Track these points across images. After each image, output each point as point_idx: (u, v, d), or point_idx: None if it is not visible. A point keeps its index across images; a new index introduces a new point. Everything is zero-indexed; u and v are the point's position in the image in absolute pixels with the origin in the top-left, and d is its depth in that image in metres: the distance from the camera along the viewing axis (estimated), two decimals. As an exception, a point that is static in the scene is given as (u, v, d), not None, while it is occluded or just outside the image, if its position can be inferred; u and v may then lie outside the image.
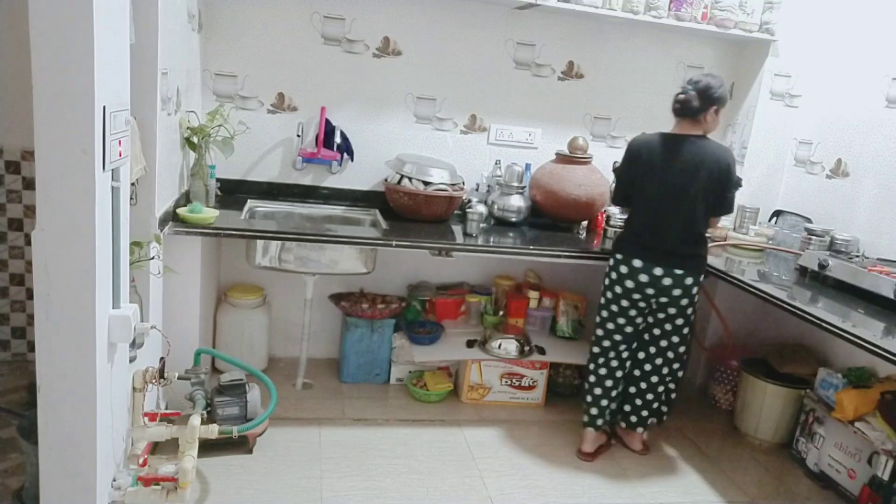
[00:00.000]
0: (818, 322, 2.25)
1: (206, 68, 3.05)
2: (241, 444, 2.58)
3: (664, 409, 2.90)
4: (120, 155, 1.73)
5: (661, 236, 2.59)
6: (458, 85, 3.31)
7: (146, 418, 2.14)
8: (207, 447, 2.41)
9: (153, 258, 2.29)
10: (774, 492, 2.78)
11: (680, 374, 2.86)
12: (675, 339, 2.75)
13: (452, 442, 2.87)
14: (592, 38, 3.39)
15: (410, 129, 3.32)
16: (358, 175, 3.30)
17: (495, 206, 3.24)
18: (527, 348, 3.22)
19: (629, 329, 2.76)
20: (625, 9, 3.12)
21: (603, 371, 2.82)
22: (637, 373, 2.84)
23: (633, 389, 2.86)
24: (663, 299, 2.64)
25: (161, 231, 2.36)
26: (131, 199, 2.11)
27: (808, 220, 3.27)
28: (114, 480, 1.93)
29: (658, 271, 2.59)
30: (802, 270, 2.87)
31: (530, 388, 3.25)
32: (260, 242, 2.82)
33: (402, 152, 3.25)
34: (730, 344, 3.23)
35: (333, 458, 2.65)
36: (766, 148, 3.49)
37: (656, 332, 2.75)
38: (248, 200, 3.08)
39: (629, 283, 2.64)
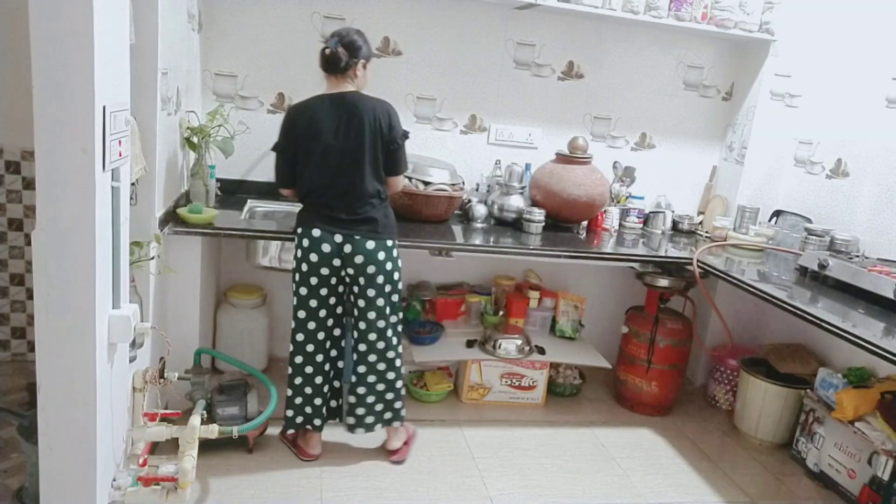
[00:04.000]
0: (818, 322, 2.25)
1: (206, 68, 3.05)
2: (241, 444, 2.58)
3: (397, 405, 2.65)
4: (120, 155, 1.74)
5: (336, 200, 2.40)
6: (458, 85, 3.31)
7: (146, 418, 2.14)
8: (207, 447, 2.41)
9: (153, 258, 2.29)
10: (774, 492, 2.78)
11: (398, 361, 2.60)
12: (372, 314, 2.50)
13: (452, 442, 2.87)
14: (592, 38, 3.39)
15: (410, 129, 3.28)
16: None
17: (495, 206, 3.24)
18: (527, 348, 3.22)
19: (323, 312, 2.51)
20: (625, 9, 3.12)
21: (305, 366, 2.55)
22: (340, 364, 2.64)
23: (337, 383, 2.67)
24: (349, 270, 2.44)
25: (161, 231, 2.36)
26: (131, 199, 2.11)
27: (808, 220, 3.27)
28: (114, 480, 1.93)
29: (338, 238, 2.40)
30: (802, 270, 2.87)
31: (530, 388, 3.25)
32: (260, 242, 2.82)
33: (402, 152, 3.25)
34: (730, 344, 3.23)
35: (333, 458, 2.65)
36: (766, 148, 3.49)
37: (355, 311, 2.53)
38: (248, 200, 3.08)
39: (313, 257, 2.42)
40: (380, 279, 2.45)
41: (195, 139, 2.73)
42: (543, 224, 3.13)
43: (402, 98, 3.25)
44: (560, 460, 2.83)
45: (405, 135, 2.49)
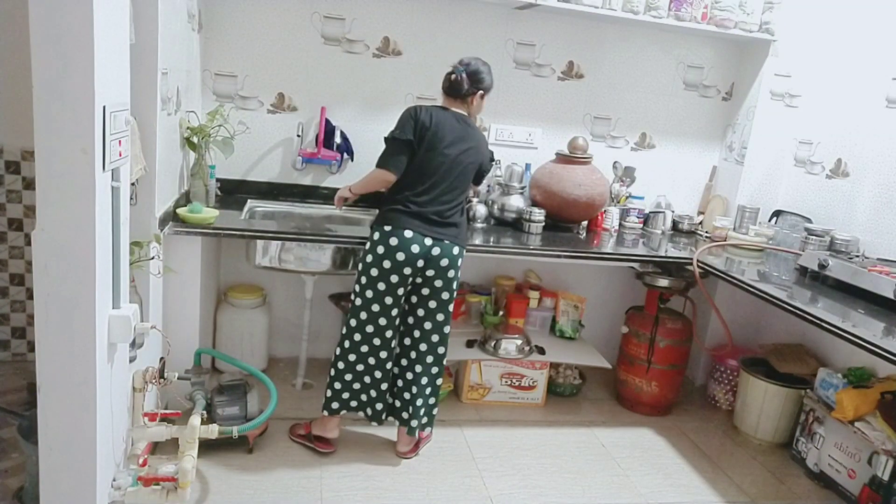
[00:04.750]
0: (818, 322, 2.25)
1: (206, 68, 3.05)
2: (241, 444, 2.58)
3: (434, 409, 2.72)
4: (120, 155, 1.73)
5: (435, 206, 2.52)
6: (458, 85, 3.31)
7: (146, 418, 2.14)
8: (207, 447, 2.41)
9: (153, 258, 2.29)
10: (774, 492, 2.78)
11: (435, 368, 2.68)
12: (441, 316, 2.62)
13: (452, 442, 2.87)
14: (592, 38, 3.39)
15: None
16: (358, 175, 3.27)
17: (495, 206, 3.24)
18: (527, 348, 3.22)
19: (395, 311, 2.57)
20: (625, 9, 3.12)
21: (371, 360, 2.62)
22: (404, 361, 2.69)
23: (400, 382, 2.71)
24: (429, 272, 2.53)
25: (161, 231, 2.36)
26: (131, 199, 2.11)
27: (808, 220, 3.27)
28: (114, 480, 1.93)
29: (428, 241, 2.48)
30: (802, 270, 2.87)
31: (530, 388, 3.25)
32: (260, 242, 2.82)
33: (402, 152, 3.25)
34: (730, 344, 3.23)
35: (333, 458, 2.65)
36: (766, 148, 3.49)
37: (420, 312, 2.62)
38: (248, 200, 3.08)
39: (400, 256, 2.46)
40: (455, 284, 2.59)
41: (195, 139, 2.73)
42: (543, 224, 3.14)
43: (402, 98, 3.25)
44: (560, 460, 2.83)
45: (493, 160, 2.78)
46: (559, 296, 3.47)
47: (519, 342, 3.20)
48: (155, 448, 2.44)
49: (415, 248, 2.47)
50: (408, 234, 2.47)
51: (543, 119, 3.44)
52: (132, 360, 2.08)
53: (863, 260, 2.76)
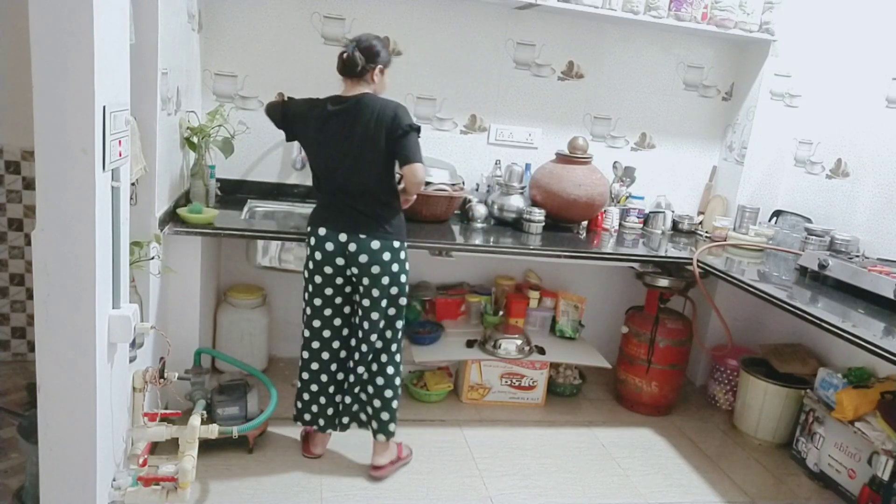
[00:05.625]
0: (818, 322, 2.25)
1: (206, 68, 3.05)
2: (241, 444, 2.58)
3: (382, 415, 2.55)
4: (120, 155, 1.73)
5: (346, 197, 2.40)
6: (458, 85, 3.31)
7: (146, 418, 2.14)
8: (207, 447, 2.41)
9: (153, 258, 2.29)
10: (774, 492, 2.78)
11: (389, 369, 2.53)
12: (375, 315, 2.45)
13: (452, 442, 2.87)
14: (592, 38, 3.39)
15: (410, 129, 3.31)
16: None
17: (495, 206, 3.24)
18: (527, 348, 3.22)
19: (329, 311, 2.49)
20: (625, 9, 3.12)
21: (314, 366, 2.55)
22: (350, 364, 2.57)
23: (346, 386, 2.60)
24: (353, 269, 2.40)
25: (161, 231, 2.36)
26: (131, 199, 2.11)
27: (808, 220, 3.27)
28: (114, 480, 1.93)
29: (343, 237, 2.37)
30: (802, 270, 2.87)
31: (530, 388, 3.25)
32: (260, 242, 2.82)
33: (402, 152, 3.25)
34: (730, 344, 3.23)
35: (333, 459, 2.65)
36: (766, 148, 3.49)
37: (359, 312, 2.48)
38: (248, 200, 3.08)
39: (317, 256, 2.40)
40: (386, 280, 2.40)
41: (195, 139, 2.73)
42: (543, 224, 3.13)
43: (402, 98, 3.21)
44: (560, 460, 2.83)
45: (413, 125, 2.37)
46: (559, 296, 3.47)
47: (519, 342, 3.20)
48: (155, 448, 2.44)
49: (329, 247, 2.38)
50: (321, 231, 2.39)
51: (543, 119, 3.44)
52: (132, 360, 2.08)
53: (863, 260, 2.76)
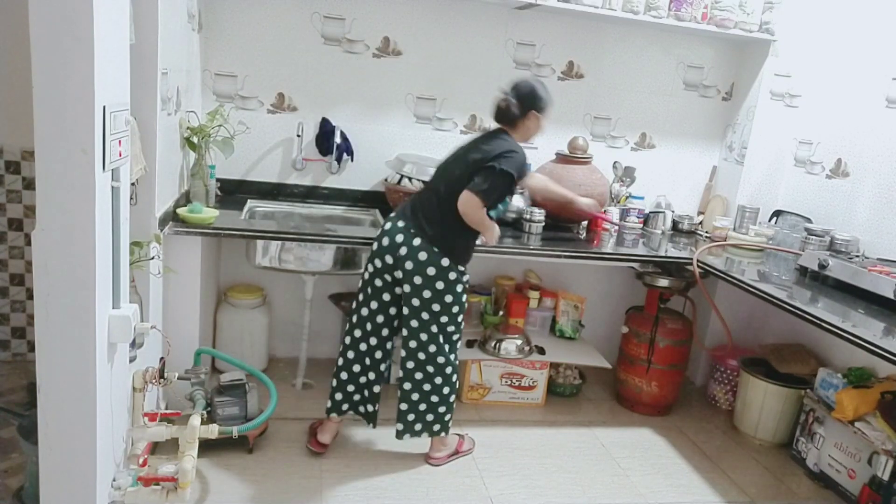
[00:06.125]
0: (818, 322, 2.25)
1: (206, 68, 3.05)
2: (241, 444, 2.58)
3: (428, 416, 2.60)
4: (120, 155, 1.73)
5: (420, 202, 2.46)
6: (458, 85, 3.31)
7: (146, 418, 2.14)
8: (207, 447, 2.41)
9: (153, 258, 2.29)
10: (774, 492, 2.78)
11: (437, 379, 2.54)
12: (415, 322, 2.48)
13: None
14: (592, 38, 3.39)
15: (410, 129, 3.31)
16: (358, 175, 3.30)
17: (495, 206, 3.24)
18: (527, 348, 3.22)
19: (374, 304, 2.54)
20: (625, 9, 3.12)
21: (350, 354, 2.60)
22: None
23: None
24: (398, 273, 2.44)
25: (161, 231, 2.36)
26: (131, 199, 2.11)
27: (808, 220, 3.27)
28: (114, 480, 1.93)
29: (399, 238, 2.41)
30: (802, 270, 2.87)
31: (530, 388, 3.25)
32: (260, 242, 2.82)
33: (402, 152, 3.25)
34: (730, 344, 3.23)
35: (333, 458, 2.65)
36: (766, 148, 3.49)
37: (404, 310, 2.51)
38: (248, 200, 3.08)
39: (374, 245, 2.48)
40: (426, 293, 2.43)
41: (195, 139, 2.73)
42: (543, 224, 3.13)
43: (401, 98, 3.25)
44: (560, 460, 2.83)
45: (504, 170, 2.35)
46: (559, 296, 3.47)
47: (519, 342, 3.20)
48: (155, 448, 2.44)
49: (385, 241, 2.43)
50: (387, 225, 2.46)
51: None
52: (132, 360, 2.08)
53: (863, 260, 2.76)
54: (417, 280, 2.42)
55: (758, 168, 3.51)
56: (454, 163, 2.47)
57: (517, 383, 3.24)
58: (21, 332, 3.16)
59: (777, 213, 3.48)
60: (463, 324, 2.58)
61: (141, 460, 2.07)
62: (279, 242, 2.80)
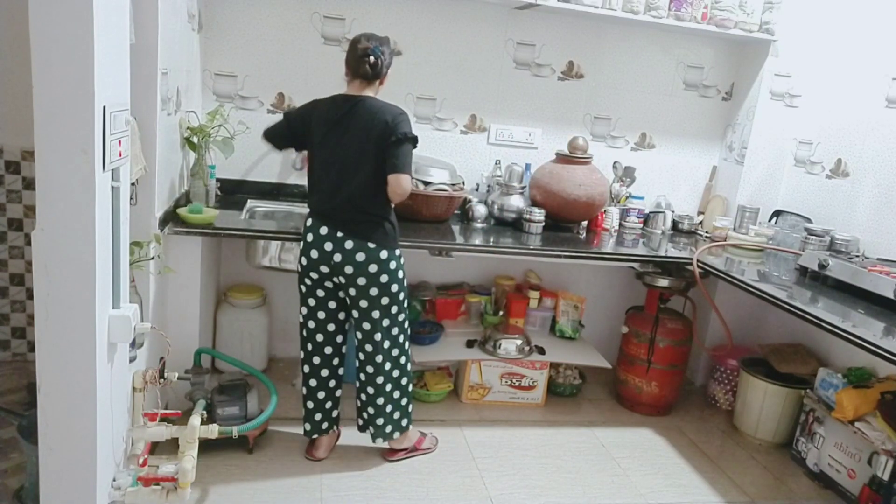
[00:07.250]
0: (818, 322, 2.25)
1: (206, 68, 3.05)
2: (241, 444, 2.58)
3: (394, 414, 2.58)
4: (120, 155, 1.73)
5: (332, 205, 2.37)
6: (458, 85, 3.31)
7: (146, 418, 2.14)
8: (207, 447, 2.41)
9: (153, 258, 2.29)
10: (774, 492, 2.78)
11: (395, 373, 2.54)
12: (367, 325, 2.45)
13: (452, 442, 2.87)
14: (592, 38, 3.39)
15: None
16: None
17: (495, 206, 3.24)
18: (527, 348, 3.22)
19: (322, 315, 2.49)
20: (625, 9, 3.12)
21: (306, 369, 2.56)
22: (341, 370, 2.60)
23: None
24: (340, 279, 2.39)
25: (161, 231, 2.36)
26: (131, 199, 2.11)
27: (808, 220, 3.27)
28: (114, 480, 1.93)
29: (328, 246, 2.34)
30: (802, 270, 2.87)
31: (530, 388, 3.25)
32: (260, 242, 2.82)
33: (402, 152, 3.25)
34: (730, 344, 3.23)
35: (333, 458, 2.65)
36: (766, 148, 3.49)
37: (354, 314, 2.47)
38: (248, 200, 3.08)
39: (303, 261, 2.40)
40: (373, 291, 2.38)
41: (195, 139, 2.73)
42: (543, 224, 3.13)
43: (402, 98, 3.25)
44: (560, 460, 2.83)
45: (408, 135, 2.31)
46: (559, 296, 3.47)
47: (519, 342, 3.20)
48: (155, 448, 2.44)
49: (314, 254, 2.37)
50: (308, 237, 2.38)
51: (543, 119, 3.44)
52: (132, 360, 2.08)
53: (863, 260, 2.76)
54: (361, 281, 2.36)
55: (758, 168, 3.51)
56: (347, 149, 2.32)
57: (517, 383, 3.24)
58: (21, 332, 3.16)
59: (777, 213, 3.48)
60: (407, 300, 2.53)
61: (141, 460, 2.07)
62: (279, 242, 2.81)
